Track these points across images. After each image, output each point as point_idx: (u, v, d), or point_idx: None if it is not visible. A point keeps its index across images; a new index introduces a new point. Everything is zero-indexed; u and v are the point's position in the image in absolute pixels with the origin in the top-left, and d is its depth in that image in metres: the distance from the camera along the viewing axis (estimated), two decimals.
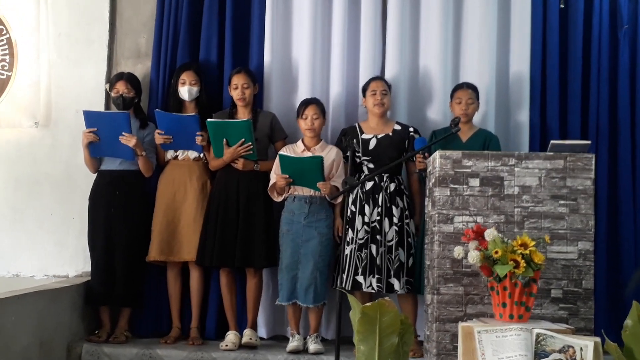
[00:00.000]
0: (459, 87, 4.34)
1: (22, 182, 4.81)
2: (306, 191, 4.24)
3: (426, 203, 3.90)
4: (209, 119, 4.26)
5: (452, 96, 4.33)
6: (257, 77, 4.54)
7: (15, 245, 4.77)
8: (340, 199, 4.16)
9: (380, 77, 4.47)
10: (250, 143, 4.25)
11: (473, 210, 3.48)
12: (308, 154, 4.26)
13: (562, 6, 4.62)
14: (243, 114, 4.45)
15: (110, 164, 4.41)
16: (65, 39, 4.84)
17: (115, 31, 4.86)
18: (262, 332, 4.54)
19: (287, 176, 4.13)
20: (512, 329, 2.93)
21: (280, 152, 4.23)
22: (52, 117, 4.81)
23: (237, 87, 4.40)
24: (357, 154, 4.31)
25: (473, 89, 4.31)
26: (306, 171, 4.11)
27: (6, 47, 4.84)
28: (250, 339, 4.23)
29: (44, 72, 4.83)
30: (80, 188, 4.59)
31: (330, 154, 4.27)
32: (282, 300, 4.23)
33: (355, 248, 4.15)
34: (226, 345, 4.20)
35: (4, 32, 4.85)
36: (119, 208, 4.34)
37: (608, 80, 4.59)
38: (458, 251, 3.24)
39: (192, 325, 4.43)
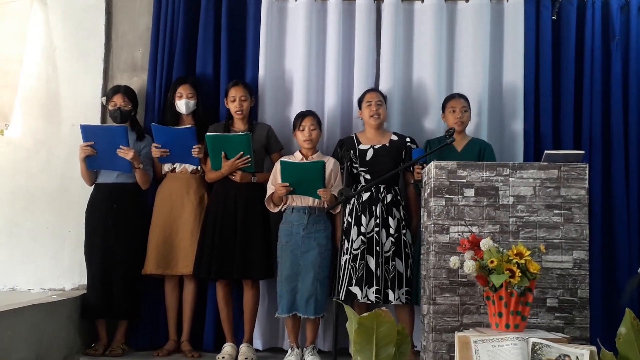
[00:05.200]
0: (450, 97, 4.40)
1: (18, 195, 4.79)
2: (305, 202, 4.25)
3: (422, 213, 3.92)
4: (208, 133, 4.28)
5: (444, 107, 4.38)
6: (253, 90, 4.57)
7: (11, 259, 4.75)
8: (339, 209, 4.18)
9: (375, 89, 4.50)
10: (248, 156, 4.27)
11: (468, 220, 3.49)
12: None
13: (554, 17, 4.67)
14: (240, 126, 4.47)
15: (107, 177, 4.42)
16: (61, 52, 4.85)
17: (111, 45, 4.87)
18: (258, 344, 4.53)
19: (287, 184, 4.15)
20: (509, 338, 2.93)
21: (282, 159, 4.24)
22: (48, 130, 4.81)
23: (235, 100, 4.42)
24: (354, 165, 4.33)
25: (465, 98, 4.37)
26: (307, 178, 4.11)
27: None
28: (246, 358, 4.20)
29: (33, 83, 4.81)
30: (76, 201, 4.59)
31: (328, 165, 4.28)
32: (281, 312, 4.21)
33: (349, 259, 4.16)
34: (222, 358, 4.20)
35: None
36: (116, 221, 4.34)
37: (601, 91, 4.64)
38: (454, 261, 3.24)
39: (183, 339, 4.41)
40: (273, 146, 4.50)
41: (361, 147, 4.35)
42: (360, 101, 4.42)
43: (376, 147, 4.33)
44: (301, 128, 4.33)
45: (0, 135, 4.82)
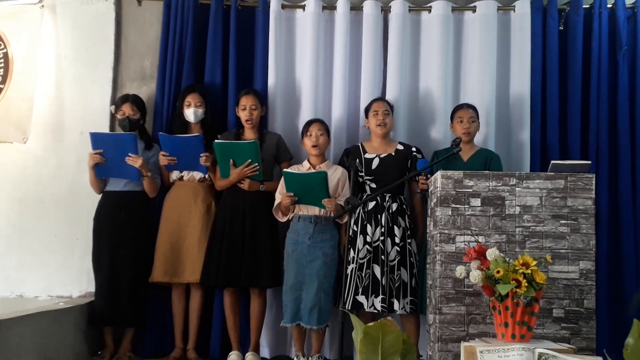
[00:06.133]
0: (459, 107, 4.41)
1: (27, 202, 4.82)
2: (311, 211, 4.26)
3: (428, 223, 3.92)
4: (216, 141, 4.30)
5: (452, 117, 4.39)
6: (264, 99, 4.59)
7: (20, 266, 4.77)
8: (345, 219, 4.18)
9: (382, 98, 4.53)
10: (256, 164, 4.29)
11: (475, 230, 3.50)
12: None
13: (561, 28, 4.68)
14: (250, 135, 4.49)
15: (115, 185, 4.44)
16: (71, 61, 4.89)
17: (120, 53, 4.91)
18: (265, 352, 4.54)
19: (292, 194, 4.16)
20: (515, 348, 2.93)
21: (285, 170, 4.26)
22: (58, 137, 4.84)
23: (245, 108, 4.44)
24: (360, 174, 4.34)
25: (473, 108, 4.37)
26: (311, 188, 4.13)
27: (2, 61, 4.89)
28: None
29: (43, 92, 4.85)
30: (85, 209, 4.61)
31: (335, 174, 4.30)
32: (286, 321, 4.21)
33: (356, 268, 4.16)
34: None
35: (2, 46, 4.89)
36: (123, 229, 4.36)
37: (607, 101, 4.64)
38: (460, 271, 3.25)
39: (189, 347, 4.42)
40: (282, 155, 4.52)
41: (367, 156, 4.36)
42: (367, 110, 4.44)
43: (382, 156, 4.35)
44: (309, 134, 4.35)
45: (10, 144, 4.85)
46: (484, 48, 4.67)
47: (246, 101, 4.45)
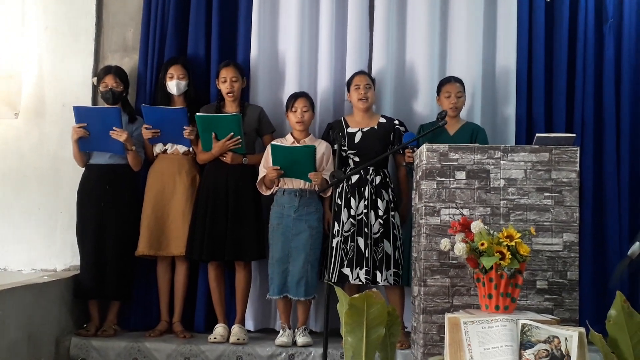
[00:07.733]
0: (446, 81, 4.37)
1: (9, 176, 4.79)
2: (296, 184, 4.26)
3: (413, 196, 3.92)
4: (198, 114, 4.27)
5: (439, 90, 4.37)
6: (245, 71, 4.55)
7: (3, 240, 4.75)
8: (329, 192, 4.18)
9: (363, 72, 4.47)
10: (239, 137, 4.26)
11: (459, 203, 3.51)
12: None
13: (547, 0, 4.66)
14: (231, 108, 4.45)
15: (100, 158, 4.40)
16: (52, 32, 4.82)
17: (102, 24, 4.84)
18: (250, 325, 4.55)
19: (278, 167, 4.15)
20: (498, 319, 2.96)
21: (272, 143, 4.24)
22: (39, 110, 4.79)
23: (226, 81, 4.40)
24: (343, 148, 4.32)
25: (460, 82, 4.35)
26: (298, 161, 4.12)
27: None
28: (238, 339, 4.20)
29: (29, 66, 4.81)
30: (68, 182, 4.58)
31: (320, 148, 4.28)
32: (272, 294, 4.24)
33: (340, 241, 4.17)
34: (214, 338, 4.21)
35: None
36: (108, 202, 4.34)
37: (593, 74, 4.63)
38: (445, 243, 3.26)
39: (175, 320, 4.43)
40: (265, 128, 4.49)
41: (349, 130, 4.34)
42: (348, 84, 4.41)
43: (364, 130, 4.33)
44: (293, 109, 4.32)
45: None
46: (470, 20, 4.63)
47: (226, 73, 4.41)
